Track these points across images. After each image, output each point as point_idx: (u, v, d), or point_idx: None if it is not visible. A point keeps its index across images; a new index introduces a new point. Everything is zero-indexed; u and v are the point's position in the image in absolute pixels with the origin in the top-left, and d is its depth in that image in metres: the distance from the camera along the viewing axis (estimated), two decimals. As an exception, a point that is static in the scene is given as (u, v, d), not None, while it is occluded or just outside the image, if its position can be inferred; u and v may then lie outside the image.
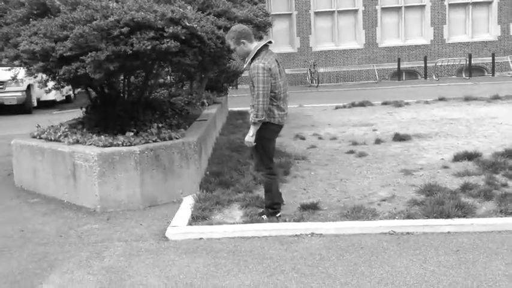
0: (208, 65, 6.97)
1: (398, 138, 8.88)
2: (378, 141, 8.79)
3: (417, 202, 5.38)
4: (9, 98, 15.73)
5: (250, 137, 4.93)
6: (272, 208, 5.16)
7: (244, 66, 5.06)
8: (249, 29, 5.07)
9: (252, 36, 5.01)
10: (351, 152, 8.04)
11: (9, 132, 10.98)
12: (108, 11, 5.59)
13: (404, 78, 24.13)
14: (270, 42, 5.04)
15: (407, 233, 4.72)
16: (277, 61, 5.00)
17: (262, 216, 5.13)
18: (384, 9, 24.13)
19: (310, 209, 5.32)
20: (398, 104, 13.66)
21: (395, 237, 4.64)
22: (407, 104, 13.81)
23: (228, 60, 10.90)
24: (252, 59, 4.89)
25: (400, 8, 24.20)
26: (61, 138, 6.48)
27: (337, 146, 8.62)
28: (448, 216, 4.86)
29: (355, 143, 8.70)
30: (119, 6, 5.73)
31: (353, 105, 14.03)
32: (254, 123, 4.86)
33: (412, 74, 24.49)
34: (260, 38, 10.64)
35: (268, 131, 4.99)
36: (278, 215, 5.13)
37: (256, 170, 5.24)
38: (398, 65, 23.70)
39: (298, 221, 5.01)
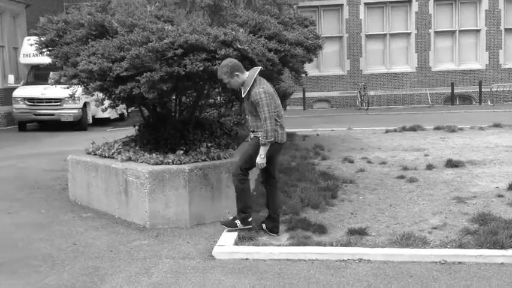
0: (258, 87, 7.03)
1: (451, 164, 8.64)
2: (429, 166, 8.58)
3: (470, 231, 5.22)
4: (66, 115, 16.38)
5: (261, 159, 5.15)
6: (244, 212, 5.31)
7: (244, 95, 5.23)
8: (238, 61, 5.30)
9: (242, 67, 5.27)
10: (401, 177, 7.89)
11: (65, 148, 11.38)
12: (164, 33, 5.76)
13: (458, 103, 23.51)
14: (261, 69, 5.32)
15: (459, 262, 4.57)
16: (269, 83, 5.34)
17: (236, 221, 5.30)
18: (437, 32, 23.70)
19: (357, 234, 5.25)
20: (451, 129, 13.31)
21: (446, 267, 4.51)
22: (460, 129, 13.45)
23: (277, 82, 10.97)
24: (251, 87, 5.12)
25: (454, 31, 23.72)
26: (115, 155, 6.68)
27: (386, 171, 8.48)
28: (502, 247, 4.70)
29: (405, 168, 8.53)
30: (173, 28, 5.90)
31: (404, 129, 13.77)
32: (264, 145, 5.09)
33: (466, 99, 23.86)
34: (310, 61, 10.66)
35: (271, 149, 5.17)
36: (250, 219, 5.32)
37: (233, 175, 5.39)
38: (452, 89, 23.14)
39: (346, 245, 4.95)
